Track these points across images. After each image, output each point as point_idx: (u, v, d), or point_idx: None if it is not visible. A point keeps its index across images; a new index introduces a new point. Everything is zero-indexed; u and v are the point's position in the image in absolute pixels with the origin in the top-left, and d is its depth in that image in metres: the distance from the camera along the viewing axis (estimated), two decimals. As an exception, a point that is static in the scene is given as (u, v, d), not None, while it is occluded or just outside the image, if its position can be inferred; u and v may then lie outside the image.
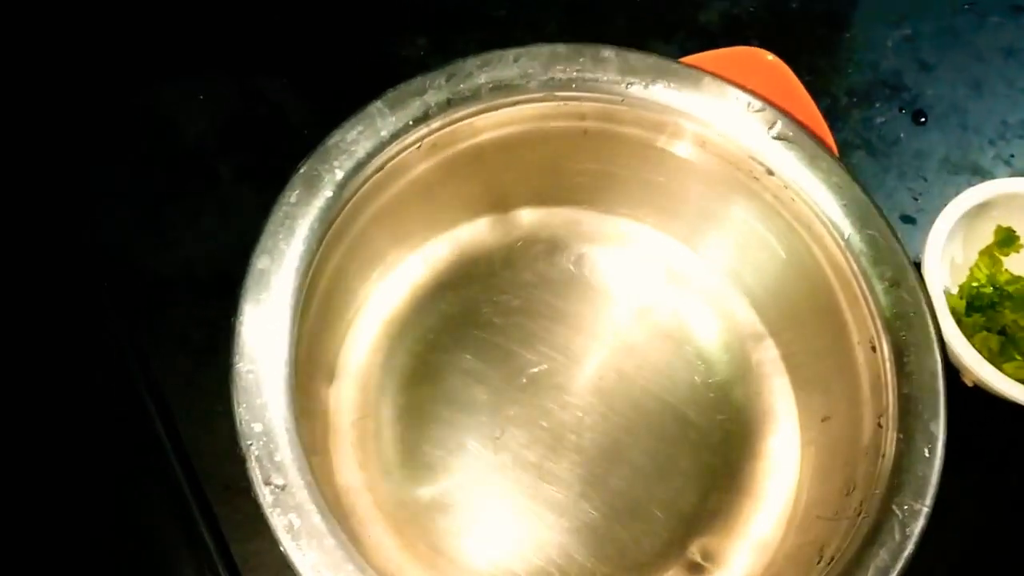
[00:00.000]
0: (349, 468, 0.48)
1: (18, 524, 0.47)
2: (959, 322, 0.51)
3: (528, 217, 0.53)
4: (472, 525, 0.47)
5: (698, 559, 0.48)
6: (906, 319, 0.42)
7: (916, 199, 0.57)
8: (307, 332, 0.43)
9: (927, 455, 0.40)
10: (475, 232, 0.52)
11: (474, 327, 0.51)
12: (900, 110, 0.59)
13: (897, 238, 0.44)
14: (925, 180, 0.58)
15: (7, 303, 0.52)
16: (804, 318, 0.49)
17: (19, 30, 0.58)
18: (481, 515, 0.47)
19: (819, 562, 0.42)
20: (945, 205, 0.53)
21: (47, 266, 0.53)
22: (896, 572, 0.38)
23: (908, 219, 0.57)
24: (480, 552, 0.47)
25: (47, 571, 0.47)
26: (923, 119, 0.59)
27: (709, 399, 0.50)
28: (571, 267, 0.52)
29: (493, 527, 0.47)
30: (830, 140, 0.50)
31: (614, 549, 0.47)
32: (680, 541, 0.48)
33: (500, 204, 0.52)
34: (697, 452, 0.49)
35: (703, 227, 0.51)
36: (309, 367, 0.45)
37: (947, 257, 0.52)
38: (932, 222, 0.53)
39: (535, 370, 0.50)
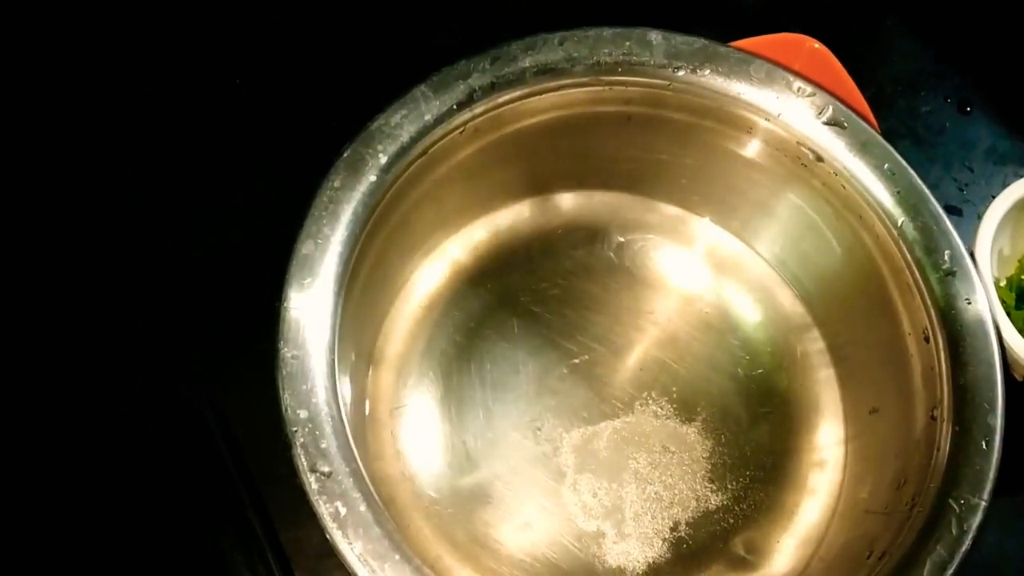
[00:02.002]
0: (388, 457, 0.47)
1: (71, 508, 0.47)
2: (1008, 315, 0.50)
3: (569, 204, 0.52)
4: (512, 516, 0.47)
5: (742, 553, 0.47)
6: (961, 308, 0.41)
7: (962, 190, 0.56)
8: (349, 318, 0.42)
9: (984, 448, 0.39)
10: (515, 219, 0.52)
11: (514, 316, 0.50)
12: (946, 99, 0.58)
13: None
14: (971, 171, 0.57)
15: (45, 302, 0.51)
16: (853, 308, 0.48)
17: (57, 21, 0.58)
18: (521, 506, 0.47)
19: (869, 557, 0.41)
20: (991, 196, 0.52)
21: (85, 261, 0.52)
22: (954, 567, 0.38)
23: (954, 210, 0.55)
24: (519, 543, 0.46)
25: (99, 555, 0.47)
26: (969, 108, 0.58)
27: (753, 391, 0.50)
28: (612, 255, 0.52)
29: (533, 518, 0.47)
30: (876, 129, 0.49)
31: (657, 542, 0.47)
32: (724, 535, 0.47)
33: (541, 191, 0.51)
34: (740, 445, 0.48)
35: (749, 214, 0.51)
36: (349, 354, 0.44)
37: (995, 249, 0.51)
38: (978, 213, 0.52)
39: (576, 361, 0.49)
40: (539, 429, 0.48)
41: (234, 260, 0.52)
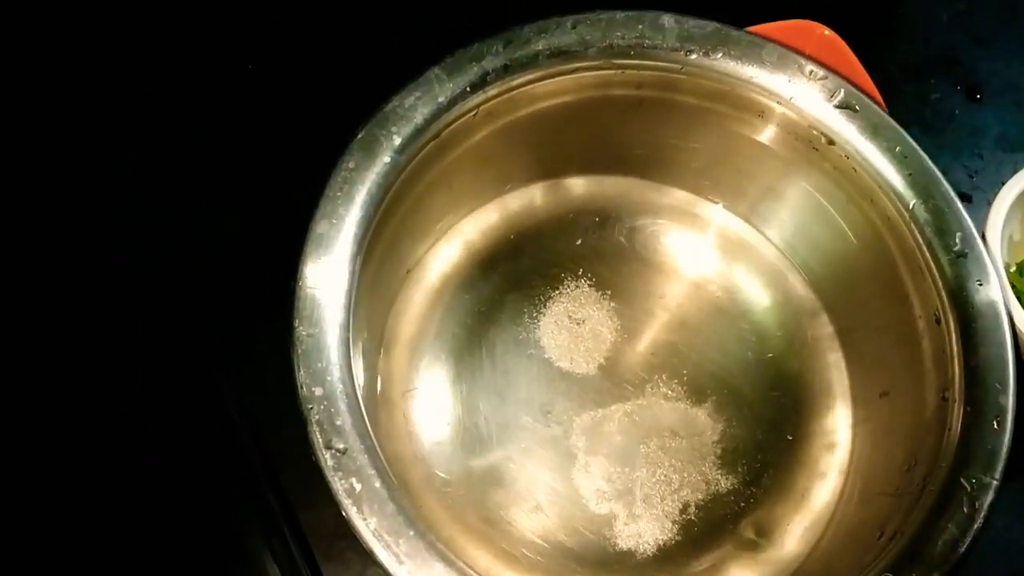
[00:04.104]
0: (400, 438, 0.47)
1: (93, 491, 0.48)
2: (1019, 300, 0.50)
3: (580, 188, 0.52)
4: (523, 498, 0.47)
5: (752, 535, 0.47)
6: (973, 290, 0.42)
7: (972, 176, 0.56)
8: (362, 299, 0.42)
9: (996, 427, 0.39)
10: (527, 202, 0.52)
11: (524, 299, 0.50)
12: (955, 86, 0.58)
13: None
14: (980, 157, 0.57)
15: (64, 297, 0.52)
16: (863, 291, 0.48)
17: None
18: (532, 488, 0.47)
19: (880, 538, 0.41)
20: (1001, 183, 0.52)
21: (97, 250, 0.53)
22: (965, 545, 0.38)
23: (964, 197, 0.56)
24: (531, 524, 0.46)
25: (121, 536, 0.47)
26: (978, 95, 0.58)
27: (763, 375, 0.50)
28: (622, 239, 0.52)
29: (544, 500, 0.47)
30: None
31: (667, 524, 0.47)
32: (734, 517, 0.47)
33: (553, 174, 0.52)
34: (750, 428, 0.49)
35: (759, 198, 0.51)
36: (362, 334, 0.45)
37: (1005, 235, 0.51)
38: (988, 200, 0.52)
39: (586, 345, 0.50)
40: (550, 412, 0.48)
41: (247, 244, 0.52)
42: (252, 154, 0.55)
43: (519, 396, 0.49)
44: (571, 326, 0.50)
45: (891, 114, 0.47)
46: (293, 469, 0.47)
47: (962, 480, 0.39)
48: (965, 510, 0.38)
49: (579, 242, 0.51)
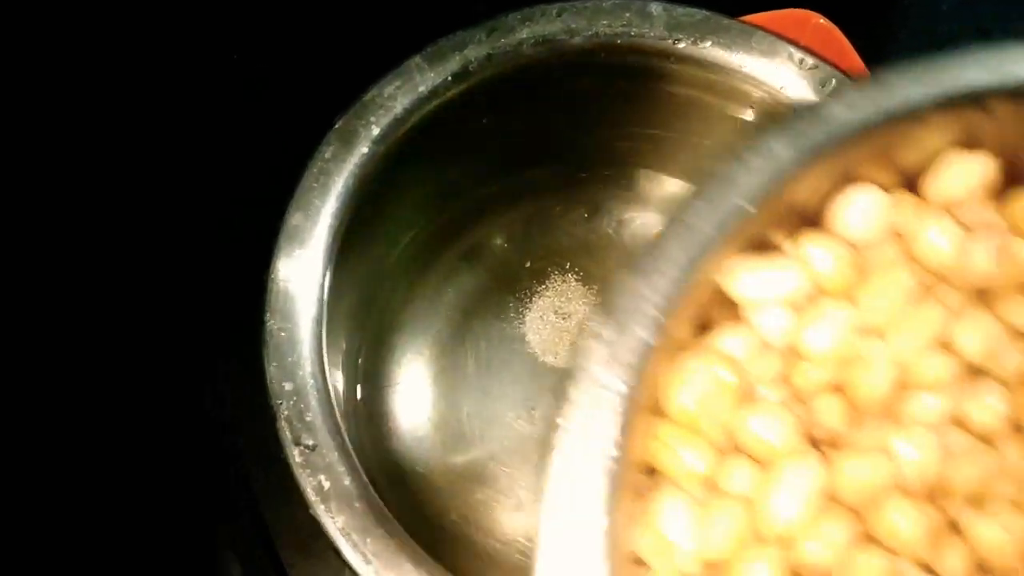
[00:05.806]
0: (380, 435, 0.47)
1: (61, 485, 0.47)
2: None
3: (568, 179, 0.51)
4: (505, 496, 0.46)
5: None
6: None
7: (973, 171, 0.55)
8: (339, 293, 0.41)
9: None
10: (512, 194, 0.51)
11: (510, 294, 0.49)
12: (957, 78, 0.57)
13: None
14: (982, 151, 0.55)
15: (36, 292, 0.51)
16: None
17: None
18: (514, 486, 0.46)
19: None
20: (1003, 177, 0.51)
21: (73, 247, 0.52)
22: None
23: (965, 192, 0.54)
24: (513, 523, 0.46)
25: (83, 532, 0.46)
26: (981, 88, 0.57)
27: (753, 372, 0.49)
28: (611, 232, 0.51)
29: (526, 498, 0.46)
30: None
31: (652, 524, 0.46)
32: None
33: (538, 165, 0.50)
34: (740, 427, 0.48)
35: (750, 192, 0.50)
36: (340, 330, 0.44)
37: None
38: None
39: (573, 339, 0.49)
40: (534, 408, 0.47)
41: (222, 237, 0.51)
42: (235, 145, 0.53)
43: (503, 393, 0.48)
44: (557, 321, 0.49)
45: (889, 106, 0.46)
46: (274, 464, 0.47)
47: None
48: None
49: (567, 235, 0.50)
